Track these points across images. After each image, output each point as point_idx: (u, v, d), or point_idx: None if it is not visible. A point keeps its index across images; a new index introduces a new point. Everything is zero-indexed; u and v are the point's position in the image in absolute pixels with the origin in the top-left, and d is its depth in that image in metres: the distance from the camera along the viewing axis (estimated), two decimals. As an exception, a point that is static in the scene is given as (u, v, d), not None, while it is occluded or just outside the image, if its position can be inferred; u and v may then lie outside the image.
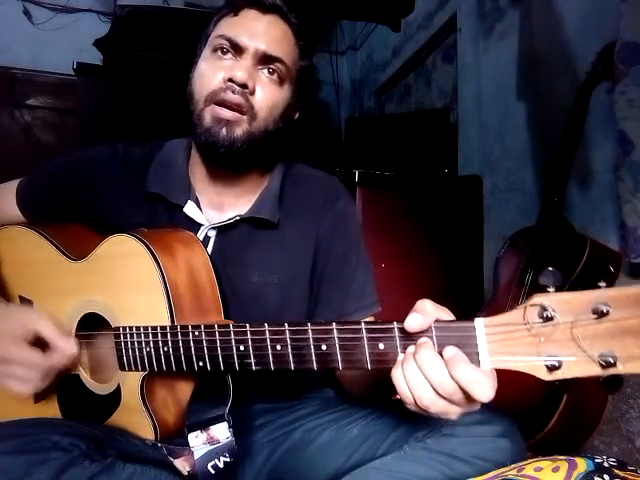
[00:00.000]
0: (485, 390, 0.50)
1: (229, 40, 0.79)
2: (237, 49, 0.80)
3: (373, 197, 1.77)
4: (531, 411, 1.34)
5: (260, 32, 0.80)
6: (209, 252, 0.80)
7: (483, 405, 0.70)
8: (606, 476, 0.58)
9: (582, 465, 0.60)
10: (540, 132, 1.80)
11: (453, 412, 0.53)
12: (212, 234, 0.85)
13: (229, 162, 0.84)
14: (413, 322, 0.52)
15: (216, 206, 0.88)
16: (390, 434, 0.71)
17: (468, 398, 0.51)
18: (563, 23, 1.67)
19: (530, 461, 0.64)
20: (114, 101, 2.24)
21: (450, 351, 0.51)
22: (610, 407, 1.39)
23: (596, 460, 0.61)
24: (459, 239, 1.89)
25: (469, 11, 2.27)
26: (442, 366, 0.51)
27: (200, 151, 0.87)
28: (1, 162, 2.91)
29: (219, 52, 0.80)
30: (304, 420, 0.83)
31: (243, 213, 0.86)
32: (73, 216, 0.91)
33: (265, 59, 0.80)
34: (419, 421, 0.70)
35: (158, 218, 0.86)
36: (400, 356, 0.54)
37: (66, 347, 0.73)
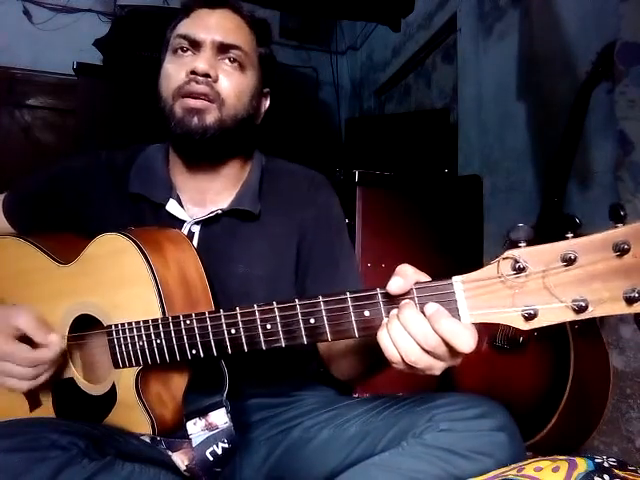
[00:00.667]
0: (467, 341, 0.51)
1: (186, 37, 0.84)
2: (195, 45, 0.84)
3: (373, 197, 1.77)
4: (531, 411, 1.34)
5: (213, 25, 0.85)
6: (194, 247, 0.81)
7: (481, 400, 0.70)
8: (606, 476, 0.58)
9: (582, 465, 0.60)
10: (540, 132, 1.80)
11: (438, 367, 0.55)
12: (196, 229, 0.87)
13: (205, 152, 0.86)
14: (395, 285, 0.54)
15: (198, 202, 0.90)
16: (388, 431, 0.71)
17: (451, 351, 0.53)
18: (563, 23, 1.68)
19: (530, 461, 0.64)
20: (114, 101, 2.25)
21: (432, 307, 0.53)
22: (610, 407, 1.39)
23: (596, 460, 0.61)
24: (459, 239, 1.89)
25: (469, 11, 2.28)
26: (424, 322, 0.53)
27: (176, 145, 0.89)
28: (1, 162, 2.91)
29: (179, 51, 0.85)
30: (303, 418, 0.82)
31: (225, 207, 0.88)
32: (64, 224, 0.91)
33: (223, 48, 0.84)
34: (417, 417, 0.69)
35: (142, 219, 0.87)
36: (385, 320, 0.56)
37: (48, 341, 0.73)
